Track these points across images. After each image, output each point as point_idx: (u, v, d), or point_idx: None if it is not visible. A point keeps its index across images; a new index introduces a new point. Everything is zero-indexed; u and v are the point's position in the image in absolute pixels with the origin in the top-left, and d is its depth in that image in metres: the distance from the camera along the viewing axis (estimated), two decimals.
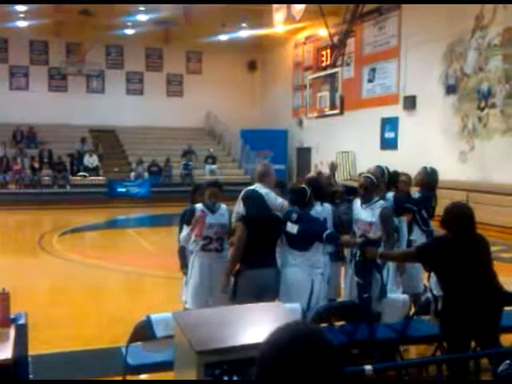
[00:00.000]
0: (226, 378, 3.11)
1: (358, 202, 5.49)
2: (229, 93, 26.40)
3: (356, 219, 5.40)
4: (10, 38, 24.30)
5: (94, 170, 21.97)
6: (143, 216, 19.05)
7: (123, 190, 21.13)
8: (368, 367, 3.60)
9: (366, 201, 5.37)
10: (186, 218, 5.30)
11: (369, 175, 5.58)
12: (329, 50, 21.84)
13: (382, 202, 5.42)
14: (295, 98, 25.12)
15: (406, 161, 16.76)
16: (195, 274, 5.21)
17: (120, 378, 4.12)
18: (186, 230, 5.28)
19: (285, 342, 1.34)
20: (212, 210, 5.26)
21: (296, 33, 24.08)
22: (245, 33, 24.33)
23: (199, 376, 3.10)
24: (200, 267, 5.20)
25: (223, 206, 5.38)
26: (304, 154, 24.50)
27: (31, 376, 3.89)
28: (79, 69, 25.16)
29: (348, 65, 21.03)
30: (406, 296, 4.81)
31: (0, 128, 23.18)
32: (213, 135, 26.65)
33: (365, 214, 5.33)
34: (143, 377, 4.43)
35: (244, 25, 23.76)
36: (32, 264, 9.47)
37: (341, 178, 19.02)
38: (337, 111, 19.29)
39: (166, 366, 3.84)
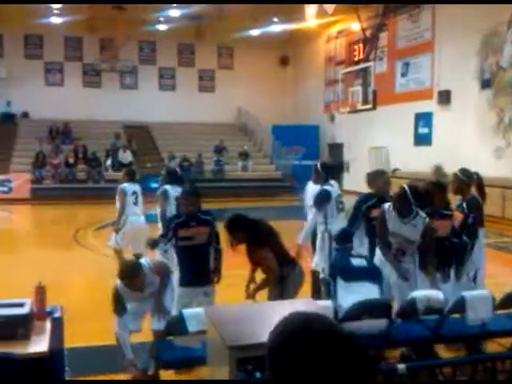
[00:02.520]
0: (258, 374, 3.11)
1: None
2: (260, 88, 26.38)
3: None
4: (44, 35, 24.71)
5: (127, 166, 22.17)
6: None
7: (156, 185, 21.27)
8: (401, 366, 3.57)
9: None
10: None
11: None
12: (361, 44, 21.64)
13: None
14: (327, 92, 24.97)
15: (439, 157, 16.61)
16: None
17: (153, 373, 4.16)
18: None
19: (298, 332, 1.30)
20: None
21: (328, 27, 23.92)
22: (277, 27, 24.26)
23: (232, 371, 3.11)
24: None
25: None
26: (336, 149, 24.34)
27: (67, 369, 3.97)
28: (112, 65, 25.43)
29: (381, 59, 20.80)
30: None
31: (36, 124, 23.69)
32: (244, 131, 26.68)
33: None
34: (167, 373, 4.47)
35: (276, 19, 23.69)
36: (67, 258, 9.63)
37: None
38: (369, 106, 19.12)
39: (198, 360, 3.87)
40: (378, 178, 6.20)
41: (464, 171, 5.97)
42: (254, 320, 3.49)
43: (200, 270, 5.01)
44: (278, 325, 1.35)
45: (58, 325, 3.69)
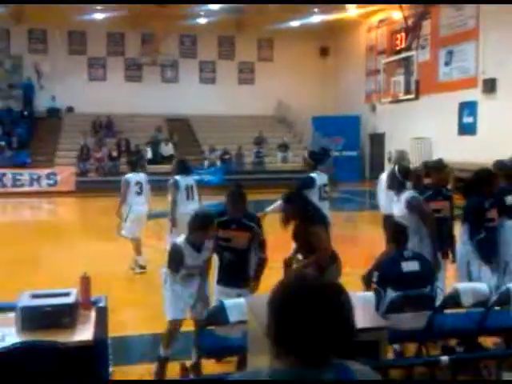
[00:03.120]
0: None
1: None
2: (300, 79, 26.24)
3: None
4: (87, 31, 25.13)
5: (169, 158, 22.43)
6: (216, 203, 19.31)
7: (197, 177, 21.43)
8: (444, 358, 3.51)
9: None
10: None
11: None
12: (403, 33, 21.27)
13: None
14: (368, 83, 24.66)
15: (485, 147, 16.21)
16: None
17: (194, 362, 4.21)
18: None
19: (293, 288, 1.50)
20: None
21: (369, 16, 23.60)
22: (316, 18, 24.05)
23: (273, 362, 3.12)
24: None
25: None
26: (377, 140, 24.06)
27: (111, 357, 4.05)
28: (154, 59, 25.68)
29: (423, 48, 20.39)
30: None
31: (81, 118, 24.17)
32: (284, 123, 26.60)
33: None
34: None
35: (316, 10, 23.49)
36: (111, 249, 9.80)
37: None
38: (412, 96, 18.85)
39: (239, 350, 3.89)
40: (439, 170, 5.92)
41: (497, 164, 5.90)
42: None
43: (235, 273, 4.87)
44: (278, 282, 1.54)
45: (102, 314, 3.76)
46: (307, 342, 1.43)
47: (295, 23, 24.45)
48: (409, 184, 5.74)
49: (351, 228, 13.65)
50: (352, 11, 21.67)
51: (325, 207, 7.03)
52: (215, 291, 4.94)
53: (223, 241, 4.88)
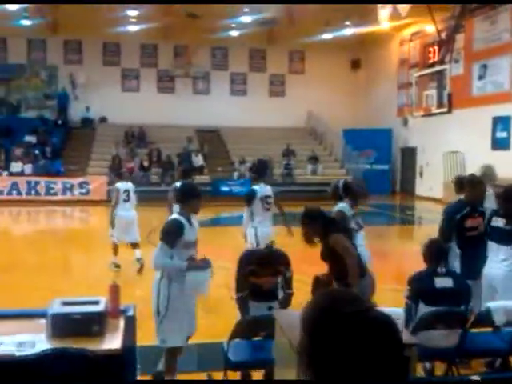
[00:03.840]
0: None
1: None
2: (331, 92, 26.21)
3: None
4: (121, 43, 25.54)
5: (199, 169, 22.61)
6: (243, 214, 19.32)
7: (227, 189, 21.57)
8: (475, 377, 3.43)
9: None
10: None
11: None
12: (436, 47, 21.09)
13: None
14: (400, 96, 24.49)
15: None
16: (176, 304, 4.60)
17: (221, 374, 4.19)
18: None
19: (326, 304, 1.40)
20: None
21: (402, 29, 23.46)
22: (348, 31, 24.02)
23: (300, 376, 3.09)
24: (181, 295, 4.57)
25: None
26: (409, 154, 23.84)
27: (138, 366, 4.06)
28: (186, 71, 25.98)
29: (457, 61, 20.17)
30: None
31: (113, 128, 24.52)
32: (314, 135, 26.56)
33: None
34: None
35: (347, 23, 23.46)
36: (142, 258, 9.87)
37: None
38: (444, 110, 18.63)
39: (266, 363, 3.87)
40: (477, 186, 5.77)
41: None
42: None
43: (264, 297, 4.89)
44: (310, 302, 1.44)
45: (130, 323, 3.77)
46: (340, 368, 1.34)
47: (327, 36, 24.45)
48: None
49: (381, 243, 13.50)
50: (384, 24, 21.56)
51: (268, 218, 7.88)
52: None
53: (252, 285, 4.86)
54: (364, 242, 6.16)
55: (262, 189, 7.95)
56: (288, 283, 4.91)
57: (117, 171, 10.93)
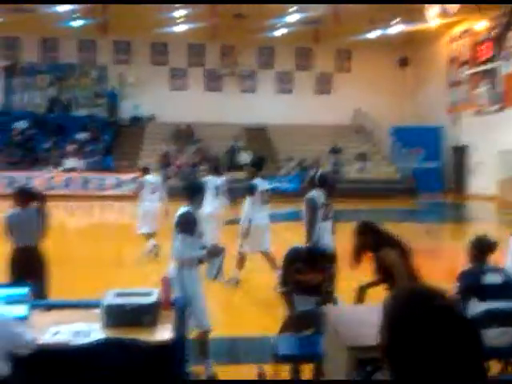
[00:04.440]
0: (377, 376, 3.05)
1: None
2: (378, 90, 25.90)
3: None
4: (169, 43, 25.89)
5: (240, 167, 22.69)
6: (292, 211, 19.30)
7: (273, 186, 21.58)
8: None
9: None
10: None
11: None
12: (487, 44, 20.58)
13: None
14: (450, 94, 23.99)
15: None
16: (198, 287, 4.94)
17: (270, 367, 4.20)
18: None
19: (404, 299, 1.42)
20: None
21: (451, 27, 22.99)
22: (395, 29, 23.69)
23: (349, 371, 3.07)
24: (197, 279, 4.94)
25: None
26: (459, 152, 23.34)
27: (188, 358, 4.11)
28: (233, 70, 26.13)
29: (508, 59, 19.63)
30: None
31: (162, 126, 24.90)
32: (361, 133, 26.31)
33: None
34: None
35: (395, 21, 23.15)
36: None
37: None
38: (497, 108, 18.18)
39: (315, 357, 3.86)
40: None
41: None
42: (374, 321, 3.42)
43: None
44: (391, 296, 1.46)
45: (181, 315, 3.83)
46: (420, 364, 1.34)
47: (373, 34, 24.18)
48: None
49: (431, 241, 13.26)
50: (433, 22, 21.18)
51: (266, 210, 8.28)
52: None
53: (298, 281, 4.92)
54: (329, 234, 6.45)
55: (261, 183, 8.31)
56: (331, 280, 4.97)
57: (144, 167, 11.76)
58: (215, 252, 5.05)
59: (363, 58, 26.32)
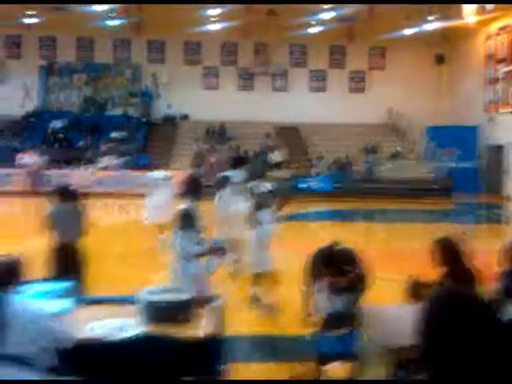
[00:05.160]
0: (415, 376, 3.01)
1: None
2: (413, 88, 25.59)
3: None
4: (202, 41, 26.01)
5: (277, 166, 22.70)
6: (324, 211, 19.25)
7: (304, 185, 21.53)
8: None
9: None
10: None
11: None
12: None
13: None
14: (487, 92, 23.52)
15: None
16: None
17: (311, 365, 4.19)
18: None
19: (443, 302, 1.44)
20: None
21: (488, 23, 22.54)
22: (431, 25, 23.35)
23: (388, 371, 3.04)
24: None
25: None
26: (496, 152, 22.86)
27: (224, 354, 4.11)
28: (265, 68, 26.13)
29: None
30: None
31: (194, 125, 25.06)
32: (395, 132, 26.03)
33: None
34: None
35: (430, 17, 22.82)
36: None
37: None
38: None
39: (351, 357, 3.84)
40: None
41: None
42: (410, 321, 3.38)
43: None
44: (430, 298, 1.49)
45: (217, 311, 3.84)
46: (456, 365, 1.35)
47: (409, 31, 23.88)
48: None
49: (467, 242, 13.03)
50: (470, 18, 20.84)
51: (239, 200, 8.66)
52: (319, 297, 4.87)
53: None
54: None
55: (236, 175, 9.02)
56: (359, 279, 4.83)
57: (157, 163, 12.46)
58: (216, 250, 5.30)
59: (398, 55, 26.03)
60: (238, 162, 10.08)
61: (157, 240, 10.38)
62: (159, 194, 10.96)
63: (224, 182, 8.83)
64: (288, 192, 20.98)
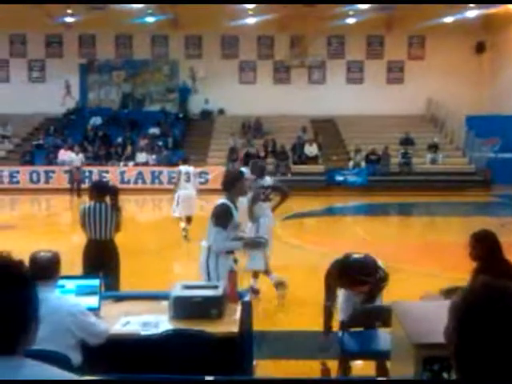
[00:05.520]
0: (445, 375, 2.98)
1: None
2: (453, 77, 25.05)
3: None
4: (239, 35, 26.01)
5: (313, 159, 22.62)
6: (360, 204, 19.10)
7: (341, 178, 21.39)
8: None
9: None
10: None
11: None
12: None
13: None
14: None
15: None
16: None
17: (336, 362, 4.19)
18: None
19: (475, 299, 1.38)
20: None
21: None
22: (472, 13, 22.81)
23: (417, 369, 3.02)
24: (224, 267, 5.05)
25: None
26: None
27: (254, 350, 4.15)
28: (302, 61, 25.99)
29: None
30: None
31: (230, 120, 25.14)
32: (434, 122, 25.57)
33: None
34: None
35: (471, 4, 22.28)
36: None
37: None
38: None
39: (379, 354, 3.82)
40: None
41: None
42: (442, 318, 3.35)
43: None
44: (463, 293, 1.43)
45: (247, 308, 3.88)
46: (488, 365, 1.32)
47: (449, 19, 23.37)
48: None
49: (506, 235, 12.76)
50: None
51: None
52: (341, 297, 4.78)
53: None
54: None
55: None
56: (378, 286, 4.52)
57: (184, 157, 13.11)
58: (254, 244, 5.39)
59: (437, 44, 25.50)
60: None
61: (182, 232, 10.87)
62: (189, 188, 11.33)
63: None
64: (324, 185, 20.99)
